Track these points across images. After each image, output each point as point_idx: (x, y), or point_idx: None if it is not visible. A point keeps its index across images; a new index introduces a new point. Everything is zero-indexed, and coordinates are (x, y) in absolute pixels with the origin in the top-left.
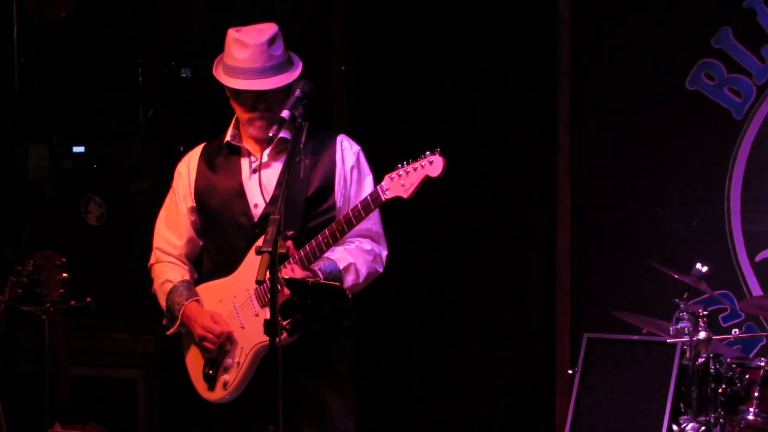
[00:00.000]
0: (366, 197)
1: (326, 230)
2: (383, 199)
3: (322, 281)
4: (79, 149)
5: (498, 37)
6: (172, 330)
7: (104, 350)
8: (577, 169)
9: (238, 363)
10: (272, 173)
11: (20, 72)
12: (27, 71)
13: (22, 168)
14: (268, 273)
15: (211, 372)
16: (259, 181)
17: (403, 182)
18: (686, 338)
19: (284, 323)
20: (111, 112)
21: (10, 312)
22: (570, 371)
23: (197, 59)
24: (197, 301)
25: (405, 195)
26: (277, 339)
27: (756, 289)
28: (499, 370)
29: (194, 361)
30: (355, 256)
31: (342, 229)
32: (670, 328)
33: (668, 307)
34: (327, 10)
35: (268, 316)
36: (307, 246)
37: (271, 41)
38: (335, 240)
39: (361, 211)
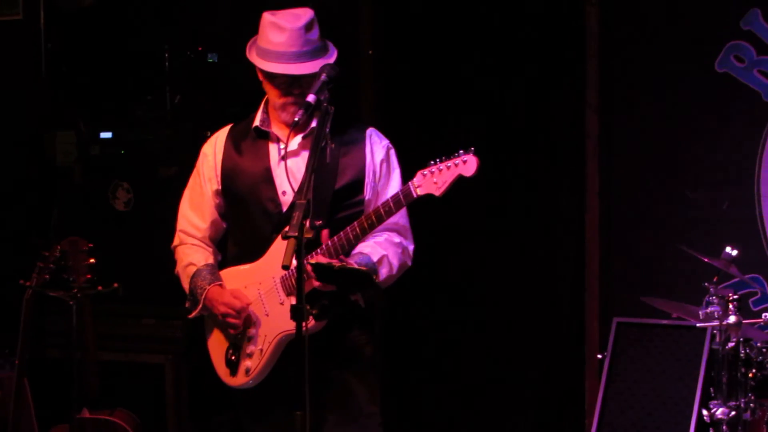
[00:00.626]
0: (397, 192)
1: (355, 223)
2: (415, 195)
3: (348, 266)
4: (106, 135)
5: (526, 20)
6: (194, 313)
7: (132, 335)
8: (605, 152)
9: (261, 350)
10: (301, 161)
11: (47, 58)
12: (54, 57)
13: (49, 154)
14: (294, 258)
15: (233, 358)
16: (285, 168)
17: (435, 180)
18: (716, 322)
19: (311, 309)
20: (138, 98)
21: (38, 298)
22: (599, 356)
23: (224, 44)
24: (220, 285)
25: (437, 193)
26: (304, 325)
27: None
28: (528, 354)
29: (217, 346)
30: (386, 248)
31: (371, 223)
32: (700, 313)
33: (698, 291)
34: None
35: (292, 304)
36: (335, 237)
37: (308, 26)
38: (364, 233)
39: (392, 207)
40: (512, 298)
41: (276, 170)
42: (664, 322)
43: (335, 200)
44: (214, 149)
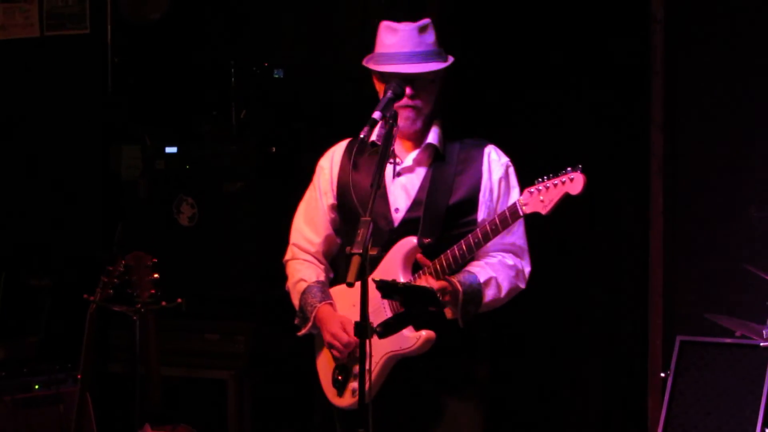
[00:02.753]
0: (504, 211)
1: (462, 242)
2: (521, 213)
3: (412, 284)
4: (171, 150)
5: (590, 36)
6: (303, 331)
7: (195, 351)
8: (670, 170)
9: (368, 371)
10: (416, 178)
11: (114, 72)
12: (121, 71)
13: (115, 168)
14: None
15: (340, 378)
16: (384, 185)
17: (542, 198)
18: None
19: (375, 326)
20: (204, 113)
21: (102, 312)
22: (662, 374)
23: (290, 60)
24: (331, 304)
25: (543, 211)
26: (408, 348)
27: None
28: (590, 372)
29: (325, 365)
30: (497, 270)
31: (478, 241)
32: (764, 332)
33: (762, 310)
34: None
35: (356, 321)
36: (442, 256)
37: (422, 28)
38: (471, 252)
39: (498, 225)
40: (575, 315)
41: (390, 186)
42: (728, 340)
43: (448, 217)
44: (330, 163)
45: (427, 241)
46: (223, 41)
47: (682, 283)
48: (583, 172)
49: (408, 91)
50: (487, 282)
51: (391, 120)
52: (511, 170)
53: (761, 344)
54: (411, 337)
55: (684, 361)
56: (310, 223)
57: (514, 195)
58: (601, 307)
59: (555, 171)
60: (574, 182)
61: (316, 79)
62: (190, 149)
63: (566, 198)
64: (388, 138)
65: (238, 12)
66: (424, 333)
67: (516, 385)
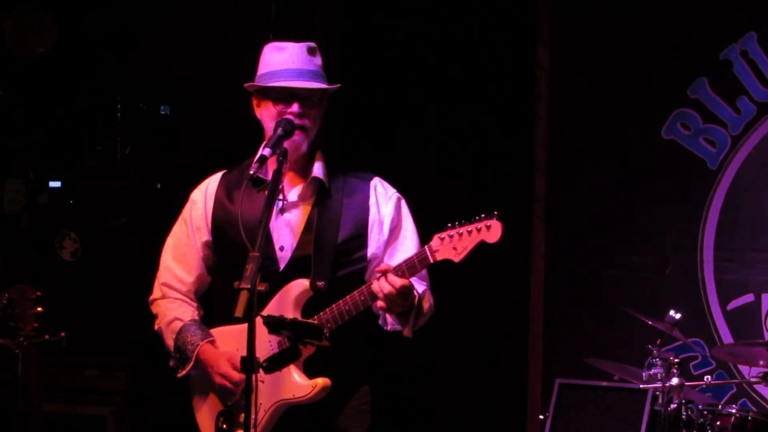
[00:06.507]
0: (412, 257)
1: (356, 293)
2: (431, 260)
3: (299, 320)
4: (55, 184)
5: (478, 82)
6: (183, 372)
7: (76, 386)
8: (552, 214)
9: (255, 420)
10: (301, 215)
11: None
12: (5, 104)
13: None
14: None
15: (224, 426)
16: (268, 222)
17: (455, 245)
18: (658, 384)
19: (261, 361)
20: (89, 148)
21: None
22: (541, 416)
23: (176, 97)
24: (212, 342)
25: (456, 259)
26: (302, 397)
27: (727, 337)
28: (470, 414)
29: (206, 411)
30: (422, 286)
31: (377, 291)
32: (643, 374)
33: (641, 353)
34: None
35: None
36: (334, 306)
37: (311, 50)
38: (374, 299)
39: (406, 272)
40: (455, 357)
41: (274, 223)
42: (605, 384)
43: (338, 256)
44: (204, 197)
45: (320, 284)
46: (110, 77)
47: (562, 326)
48: (499, 219)
49: (295, 107)
50: (424, 294)
51: (281, 157)
52: (403, 203)
53: (640, 386)
54: (306, 385)
55: (562, 404)
56: (181, 261)
57: (408, 228)
58: (482, 350)
59: (467, 217)
60: (491, 230)
61: (202, 116)
62: (75, 184)
63: (481, 246)
64: (278, 175)
65: (126, 48)
66: (320, 380)
67: (395, 427)
